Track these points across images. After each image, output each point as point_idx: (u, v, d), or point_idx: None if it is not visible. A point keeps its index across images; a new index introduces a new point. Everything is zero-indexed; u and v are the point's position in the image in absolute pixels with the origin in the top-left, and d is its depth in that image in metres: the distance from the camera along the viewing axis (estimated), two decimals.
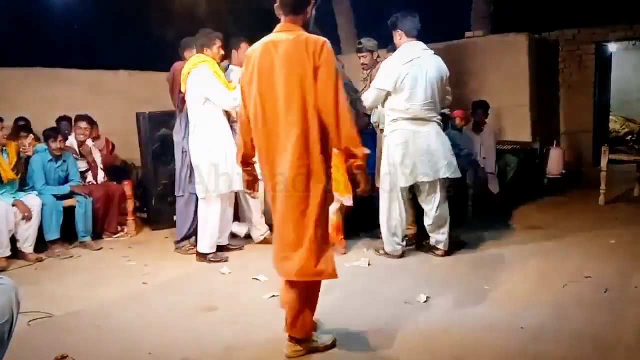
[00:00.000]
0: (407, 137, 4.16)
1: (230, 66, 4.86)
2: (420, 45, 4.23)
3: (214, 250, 4.51)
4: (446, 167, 4.19)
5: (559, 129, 8.25)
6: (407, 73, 4.10)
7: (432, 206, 4.28)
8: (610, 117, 9.51)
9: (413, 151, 4.15)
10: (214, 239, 4.48)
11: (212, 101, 4.32)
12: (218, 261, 4.46)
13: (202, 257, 4.50)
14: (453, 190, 5.56)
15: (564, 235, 4.86)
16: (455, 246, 4.46)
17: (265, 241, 4.90)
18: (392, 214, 4.32)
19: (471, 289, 3.59)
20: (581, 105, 8.15)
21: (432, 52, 4.27)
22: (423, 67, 4.13)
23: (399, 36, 4.25)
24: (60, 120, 5.97)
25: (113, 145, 6.30)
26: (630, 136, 10.33)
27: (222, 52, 4.54)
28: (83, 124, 5.53)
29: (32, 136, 5.24)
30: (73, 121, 5.65)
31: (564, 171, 6.95)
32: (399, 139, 4.17)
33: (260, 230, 4.97)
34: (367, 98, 4.35)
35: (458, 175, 4.31)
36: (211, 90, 4.29)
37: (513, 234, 5.00)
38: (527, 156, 6.76)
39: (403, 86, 4.11)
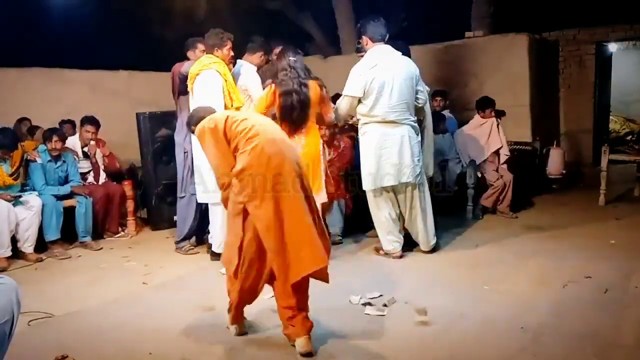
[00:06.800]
0: (376, 139, 4.18)
1: (244, 65, 4.82)
2: (387, 48, 4.23)
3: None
4: (410, 171, 4.19)
5: (559, 129, 8.24)
6: (374, 77, 4.09)
7: (405, 208, 4.34)
8: (610, 117, 9.49)
9: (380, 154, 4.16)
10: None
11: None
12: None
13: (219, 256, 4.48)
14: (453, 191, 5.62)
15: (564, 235, 4.87)
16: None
17: None
18: (380, 213, 4.34)
19: (471, 289, 3.59)
20: (581, 105, 8.13)
21: (400, 53, 4.27)
22: (390, 70, 4.12)
23: (365, 42, 4.29)
24: (62, 123, 5.95)
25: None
26: (630, 136, 10.32)
27: (232, 53, 4.51)
28: (91, 128, 5.51)
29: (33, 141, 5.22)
30: (79, 122, 5.62)
31: (564, 171, 6.94)
32: (368, 141, 4.20)
33: None
34: (340, 106, 4.32)
35: (423, 180, 4.32)
36: (211, 100, 4.24)
37: (513, 234, 5.00)
38: (527, 156, 6.76)
39: (371, 90, 4.11)
